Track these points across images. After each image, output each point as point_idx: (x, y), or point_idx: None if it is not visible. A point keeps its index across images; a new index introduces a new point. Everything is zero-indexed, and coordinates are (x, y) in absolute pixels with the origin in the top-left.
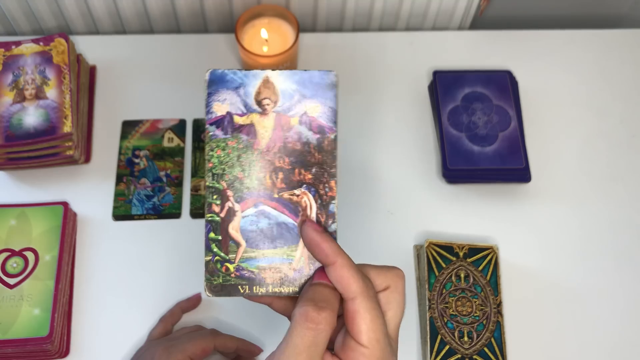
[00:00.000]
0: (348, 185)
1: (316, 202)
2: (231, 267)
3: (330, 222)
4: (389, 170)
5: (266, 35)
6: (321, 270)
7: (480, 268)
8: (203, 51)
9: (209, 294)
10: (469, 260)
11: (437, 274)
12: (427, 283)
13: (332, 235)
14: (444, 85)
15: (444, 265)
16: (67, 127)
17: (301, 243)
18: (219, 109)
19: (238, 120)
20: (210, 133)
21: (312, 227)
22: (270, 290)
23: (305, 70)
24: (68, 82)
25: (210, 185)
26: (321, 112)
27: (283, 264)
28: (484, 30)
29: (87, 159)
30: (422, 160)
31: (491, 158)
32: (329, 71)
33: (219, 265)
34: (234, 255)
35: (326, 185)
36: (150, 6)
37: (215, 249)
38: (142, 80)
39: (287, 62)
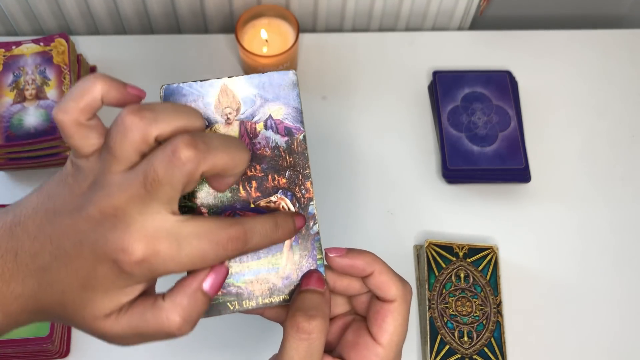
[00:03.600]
0: (348, 186)
1: (294, 205)
2: None
3: (311, 223)
4: (389, 171)
5: (266, 36)
6: (308, 275)
7: (480, 268)
8: (203, 51)
9: None
10: (468, 260)
11: (437, 274)
12: (427, 283)
13: (315, 237)
14: (443, 85)
15: (443, 266)
16: None
17: (285, 250)
18: None
19: None
20: None
21: (333, 252)
22: (261, 303)
23: (263, 73)
24: (68, 83)
25: (182, 204)
26: (286, 113)
27: (270, 273)
28: (484, 30)
29: None
30: (422, 160)
31: (491, 158)
32: (288, 71)
33: None
34: None
35: (302, 187)
36: (151, 6)
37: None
38: (142, 80)
39: (287, 62)
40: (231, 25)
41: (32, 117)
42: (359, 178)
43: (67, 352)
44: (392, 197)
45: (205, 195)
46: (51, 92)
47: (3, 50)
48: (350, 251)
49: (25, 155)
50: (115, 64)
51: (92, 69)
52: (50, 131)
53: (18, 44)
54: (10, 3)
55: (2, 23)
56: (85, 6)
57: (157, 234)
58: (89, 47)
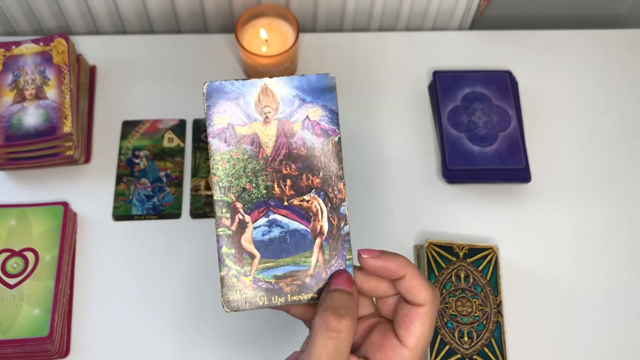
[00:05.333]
0: (348, 186)
1: (326, 205)
2: (247, 279)
3: (342, 224)
4: (389, 170)
5: (266, 36)
6: (337, 275)
7: (480, 268)
8: (203, 51)
9: (227, 310)
10: (469, 260)
11: (437, 274)
12: None
13: (346, 238)
14: (444, 85)
15: (443, 266)
16: (67, 127)
17: (316, 248)
18: (220, 121)
19: (240, 130)
20: (213, 146)
21: (366, 254)
22: (289, 299)
23: (303, 75)
24: (68, 82)
25: (218, 199)
26: (322, 115)
27: (299, 271)
28: (484, 30)
29: (87, 159)
30: (422, 160)
31: (491, 158)
32: (327, 74)
33: (234, 280)
34: (249, 268)
35: (335, 187)
36: (150, 6)
37: (230, 263)
38: (142, 80)
39: (287, 62)
40: (231, 25)
41: (31, 117)
42: (359, 178)
43: (67, 352)
44: (392, 197)
45: (241, 190)
46: (51, 92)
47: (3, 50)
48: (383, 253)
49: (25, 155)
50: (115, 63)
51: (92, 69)
52: (49, 131)
53: (18, 43)
54: (10, 3)
55: (2, 23)
56: (85, 6)
57: None
58: (89, 47)
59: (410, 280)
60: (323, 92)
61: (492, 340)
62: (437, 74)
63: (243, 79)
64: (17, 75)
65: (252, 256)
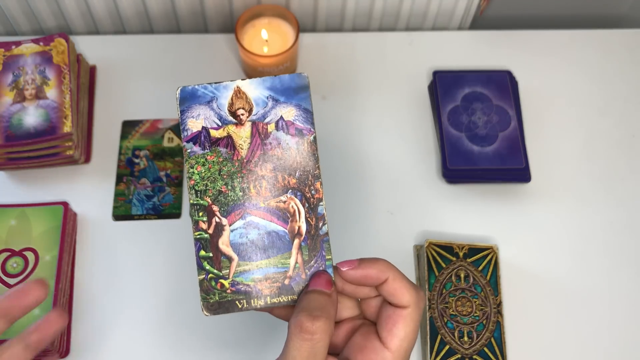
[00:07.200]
0: (348, 186)
1: (304, 206)
2: (226, 283)
3: (320, 224)
4: (389, 171)
5: (266, 36)
6: (316, 276)
7: (480, 268)
8: (203, 51)
9: (207, 314)
10: (469, 260)
11: (437, 274)
12: (427, 283)
13: (324, 238)
14: (444, 85)
15: (444, 265)
16: (67, 127)
17: (294, 250)
18: (194, 125)
19: (214, 134)
20: (188, 150)
21: (345, 266)
22: (269, 302)
23: (276, 76)
24: (68, 82)
25: (195, 202)
26: (297, 115)
27: (278, 273)
28: (484, 30)
29: (87, 159)
30: (422, 160)
31: (491, 158)
32: (300, 73)
33: (213, 283)
34: (228, 271)
35: (312, 187)
36: (150, 6)
37: (208, 267)
38: (142, 80)
39: (287, 62)
40: (231, 25)
41: (31, 117)
42: (359, 178)
43: (67, 352)
44: (392, 197)
45: (217, 193)
46: (51, 91)
47: (3, 50)
48: (362, 261)
49: (25, 155)
50: (115, 63)
51: (92, 69)
52: (49, 131)
53: (18, 43)
54: (10, 3)
55: (2, 23)
56: (85, 6)
57: None
58: (89, 46)
59: (393, 283)
60: (296, 91)
61: (492, 340)
62: (437, 74)
63: (216, 82)
64: (17, 75)
65: (230, 259)
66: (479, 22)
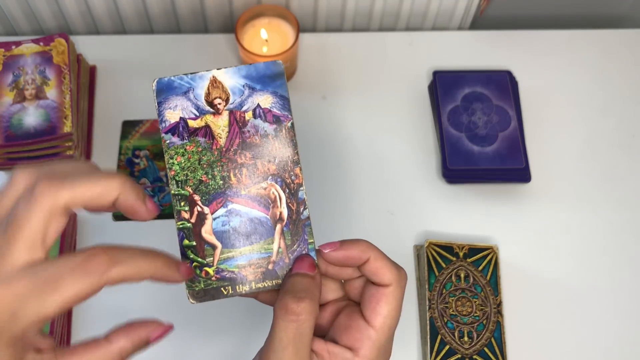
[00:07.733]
0: (348, 186)
1: (284, 191)
2: (210, 270)
3: (301, 209)
4: (389, 170)
5: (266, 36)
6: (300, 259)
7: (480, 268)
8: (203, 51)
9: (193, 301)
10: (469, 260)
11: (437, 274)
12: (427, 283)
13: (306, 222)
14: (444, 85)
15: (444, 265)
16: (67, 127)
17: (277, 235)
18: (172, 116)
19: (192, 124)
20: (167, 141)
21: (327, 247)
22: (254, 287)
23: (250, 64)
24: (68, 82)
25: (176, 192)
26: (273, 102)
27: (262, 258)
28: (484, 30)
29: (87, 159)
30: (422, 160)
31: (491, 158)
32: (275, 61)
33: (198, 271)
34: (212, 259)
35: (291, 173)
36: (150, 6)
37: (192, 256)
38: (142, 80)
39: (287, 62)
40: (231, 25)
41: (31, 117)
42: (359, 178)
43: None
44: (392, 197)
45: (197, 183)
46: (51, 92)
47: (3, 50)
48: (343, 243)
49: (25, 155)
50: (115, 63)
51: (92, 69)
52: (49, 131)
53: (18, 43)
54: (10, 3)
55: (2, 23)
56: (85, 6)
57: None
58: (89, 46)
59: (374, 262)
60: (272, 79)
61: (492, 340)
62: (437, 74)
63: (192, 73)
64: (17, 75)
65: (214, 247)
66: (479, 22)
